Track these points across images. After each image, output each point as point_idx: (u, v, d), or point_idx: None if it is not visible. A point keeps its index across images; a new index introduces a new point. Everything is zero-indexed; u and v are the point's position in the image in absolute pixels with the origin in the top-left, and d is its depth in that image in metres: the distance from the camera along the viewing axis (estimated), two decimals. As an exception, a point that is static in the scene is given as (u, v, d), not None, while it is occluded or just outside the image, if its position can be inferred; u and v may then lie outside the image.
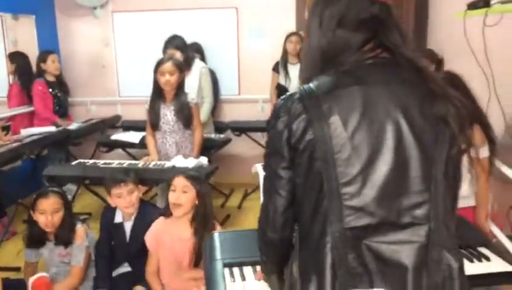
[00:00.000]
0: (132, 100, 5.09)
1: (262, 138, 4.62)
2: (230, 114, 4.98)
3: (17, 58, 4.48)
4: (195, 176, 2.53)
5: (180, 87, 3.37)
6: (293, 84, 4.54)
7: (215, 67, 4.80)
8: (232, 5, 4.85)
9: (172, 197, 2.45)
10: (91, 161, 3.33)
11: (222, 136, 4.10)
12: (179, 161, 3.10)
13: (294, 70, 4.53)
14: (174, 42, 4.08)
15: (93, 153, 4.77)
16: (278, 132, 1.06)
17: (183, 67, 3.96)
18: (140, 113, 4.78)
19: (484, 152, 2.11)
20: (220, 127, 4.56)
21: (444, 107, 1.04)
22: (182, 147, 3.39)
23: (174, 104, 3.34)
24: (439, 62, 3.40)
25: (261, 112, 4.89)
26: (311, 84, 1.06)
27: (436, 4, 3.87)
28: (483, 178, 2.13)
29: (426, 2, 4.00)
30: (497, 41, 2.63)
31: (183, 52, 4.09)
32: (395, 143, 1.00)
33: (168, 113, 3.34)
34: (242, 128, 4.52)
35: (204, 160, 3.19)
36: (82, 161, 3.36)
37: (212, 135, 4.09)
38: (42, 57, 4.43)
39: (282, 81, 4.58)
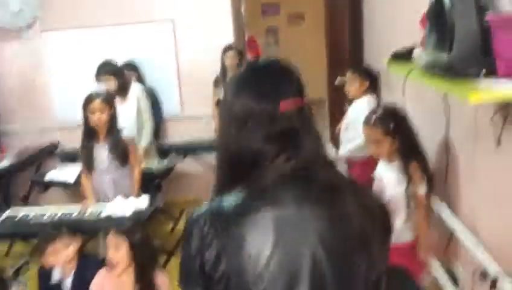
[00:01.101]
0: (70, 125, 4.84)
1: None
2: (174, 133, 4.84)
3: None
4: (129, 229, 2.44)
5: (112, 123, 3.21)
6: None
7: (154, 84, 4.64)
8: (167, 17, 4.67)
9: (107, 254, 2.37)
10: (21, 214, 3.12)
11: (165, 162, 3.97)
12: (117, 206, 2.97)
13: (234, 85, 4.45)
14: (107, 68, 3.90)
15: (28, 192, 4.53)
16: (191, 257, 1.00)
17: (118, 96, 3.84)
18: (78, 138, 4.61)
19: (422, 189, 2.12)
20: (164, 150, 4.42)
21: (360, 228, 1.00)
22: (120, 186, 3.25)
23: (108, 142, 3.19)
24: (374, 80, 3.40)
25: (206, 127, 4.77)
26: (223, 202, 1.00)
27: (370, 9, 3.85)
28: (422, 214, 2.15)
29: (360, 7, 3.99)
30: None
31: (118, 78, 3.92)
32: (312, 269, 0.96)
33: (102, 152, 3.19)
34: (187, 150, 4.39)
35: (144, 201, 3.07)
36: (11, 216, 3.14)
37: (155, 163, 3.96)
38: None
39: (222, 97, 4.48)
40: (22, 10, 4.53)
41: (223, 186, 1.06)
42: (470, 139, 1.80)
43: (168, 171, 3.94)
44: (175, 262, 3.66)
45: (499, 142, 1.43)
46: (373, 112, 2.26)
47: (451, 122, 1.93)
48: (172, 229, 4.30)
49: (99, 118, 3.10)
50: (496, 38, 1.14)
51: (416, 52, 1.82)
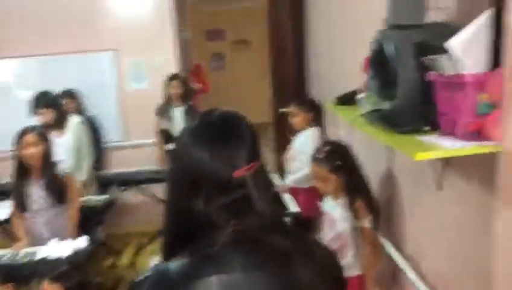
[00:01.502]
0: (7, 155, 4.55)
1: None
2: (116, 162, 4.68)
3: None
4: (64, 275, 2.30)
5: (47, 158, 3.03)
6: (178, 128, 4.39)
7: (97, 113, 4.48)
8: (110, 47, 4.56)
9: (42, 304, 2.22)
10: None
11: (106, 196, 3.81)
12: (52, 249, 2.79)
13: (177, 113, 4.40)
14: (43, 100, 3.71)
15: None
16: None
17: (56, 128, 3.67)
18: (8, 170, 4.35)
19: (366, 223, 2.15)
20: (105, 183, 4.24)
21: None
22: (56, 225, 3.05)
23: (43, 179, 3.00)
24: (318, 112, 3.46)
25: (151, 156, 4.66)
26: (169, 267, 0.96)
27: (313, 41, 3.95)
28: (368, 248, 2.17)
29: (303, 39, 4.08)
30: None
31: (55, 110, 3.74)
32: None
33: (36, 191, 2.99)
34: (129, 181, 4.24)
35: (83, 241, 2.90)
36: None
37: (95, 198, 3.78)
38: None
39: (166, 126, 4.42)
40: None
41: (170, 249, 1.02)
42: (412, 179, 1.85)
43: (109, 205, 3.77)
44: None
45: (439, 187, 1.47)
46: (319, 149, 2.28)
47: (394, 160, 1.98)
48: (113, 264, 4.13)
49: (32, 153, 2.92)
50: (439, 97, 1.18)
51: (360, 98, 1.86)
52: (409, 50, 1.52)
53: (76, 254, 2.77)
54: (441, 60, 1.09)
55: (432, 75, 1.18)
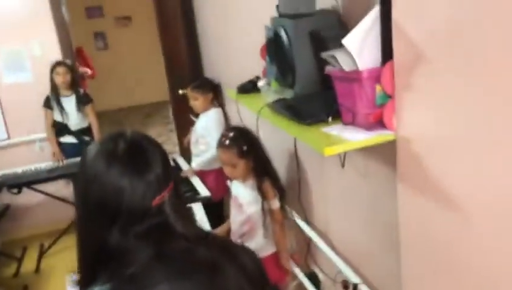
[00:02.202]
0: None
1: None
2: (2, 163, 4.25)
3: None
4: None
5: None
6: (72, 118, 4.13)
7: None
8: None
9: None
10: None
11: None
12: None
13: (69, 103, 4.11)
14: None
15: None
16: None
17: None
18: None
19: (275, 204, 2.24)
20: (-7, 187, 3.88)
21: None
22: None
23: None
24: (216, 90, 3.47)
25: (41, 153, 4.33)
26: None
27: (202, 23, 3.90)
28: (277, 227, 2.26)
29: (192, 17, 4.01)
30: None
31: None
32: None
33: None
34: (22, 183, 3.89)
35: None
36: None
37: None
38: None
39: (58, 118, 4.11)
40: None
41: (88, 277, 0.98)
42: (316, 158, 1.97)
43: (4, 211, 3.47)
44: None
45: (343, 165, 1.59)
46: (224, 135, 2.30)
47: (297, 140, 2.08)
48: (17, 272, 3.84)
49: None
50: (338, 89, 1.25)
51: (262, 86, 1.89)
52: (303, 40, 1.58)
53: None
54: (338, 55, 1.16)
55: (329, 70, 1.25)
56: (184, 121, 4.34)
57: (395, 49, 1.11)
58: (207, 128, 3.32)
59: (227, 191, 3.25)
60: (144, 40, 8.51)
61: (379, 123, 1.16)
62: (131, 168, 0.95)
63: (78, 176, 1.01)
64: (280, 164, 2.32)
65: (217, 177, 3.32)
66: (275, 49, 1.73)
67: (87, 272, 1.00)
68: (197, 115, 3.54)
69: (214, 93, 3.44)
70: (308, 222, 2.18)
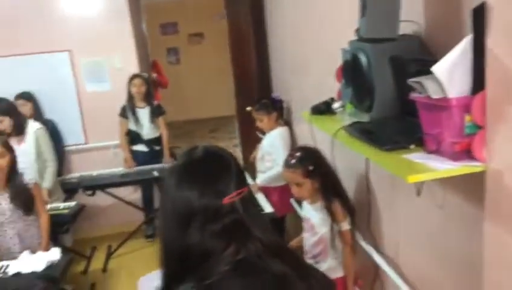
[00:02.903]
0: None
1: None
2: (79, 166, 4.56)
3: None
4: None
5: (12, 168, 2.93)
6: (145, 128, 4.34)
7: (54, 116, 4.33)
8: (64, 48, 4.39)
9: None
10: None
11: (73, 204, 3.71)
12: (26, 263, 2.70)
13: (143, 114, 4.33)
14: (0, 107, 3.55)
15: None
16: None
17: (14, 136, 3.54)
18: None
19: (345, 225, 2.21)
20: (69, 189, 4.13)
21: None
22: (26, 237, 2.97)
23: (9, 191, 2.90)
24: (280, 108, 3.50)
25: (115, 158, 4.57)
26: None
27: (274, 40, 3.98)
28: (347, 250, 2.23)
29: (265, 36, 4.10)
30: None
31: (12, 117, 3.59)
32: None
33: (2, 202, 2.89)
34: (96, 186, 4.14)
35: (55, 253, 2.83)
36: None
37: (61, 205, 3.69)
38: None
39: (132, 127, 4.35)
40: None
41: (170, 280, 1.04)
42: (389, 183, 1.93)
43: (78, 211, 3.69)
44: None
45: (418, 193, 1.55)
46: (291, 154, 2.32)
47: (370, 162, 2.05)
48: (85, 270, 4.04)
49: None
50: (423, 117, 1.23)
51: (336, 108, 1.90)
52: (383, 64, 1.58)
53: (51, 267, 2.71)
54: (425, 81, 1.15)
55: (415, 96, 1.24)
56: (249, 137, 4.42)
57: (489, 78, 1.08)
58: (273, 146, 3.36)
59: (290, 208, 3.27)
60: (214, 56, 8.80)
61: (465, 153, 1.13)
62: (206, 171, 1.04)
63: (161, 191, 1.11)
64: (349, 186, 2.29)
65: (281, 194, 3.35)
66: (352, 72, 1.74)
67: (171, 273, 1.05)
68: (264, 133, 3.60)
69: (278, 112, 3.48)
70: (377, 248, 2.14)
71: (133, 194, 4.58)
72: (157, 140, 4.43)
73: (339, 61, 2.00)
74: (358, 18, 1.59)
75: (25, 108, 4.00)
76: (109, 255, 4.24)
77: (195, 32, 9.07)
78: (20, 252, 2.87)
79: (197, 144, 1.14)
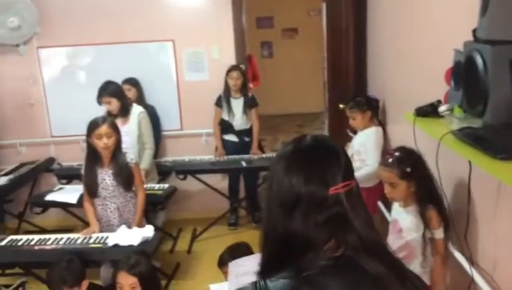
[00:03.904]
0: (65, 140, 4.80)
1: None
2: (173, 150, 4.80)
3: None
4: (139, 266, 2.42)
5: (117, 147, 3.17)
6: (237, 119, 4.46)
7: (154, 101, 4.60)
8: (168, 37, 4.64)
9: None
10: (24, 238, 3.06)
11: (166, 186, 3.93)
12: (123, 236, 2.92)
13: (237, 105, 4.45)
14: (109, 89, 3.85)
15: (24, 209, 4.49)
16: None
17: (120, 117, 3.81)
18: (74, 154, 4.58)
19: (439, 234, 2.13)
20: (164, 171, 4.38)
21: None
22: (124, 212, 3.20)
23: (113, 168, 3.14)
24: (375, 108, 3.41)
25: (206, 146, 4.76)
26: (268, 284, 0.98)
27: (374, 39, 3.88)
28: (439, 260, 2.14)
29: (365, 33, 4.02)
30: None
31: (120, 99, 3.88)
32: None
33: (106, 178, 3.14)
34: (187, 171, 4.34)
35: (150, 230, 3.02)
36: (14, 237, 3.08)
37: (156, 186, 3.92)
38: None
39: (225, 117, 4.49)
40: (20, 26, 4.44)
41: (268, 267, 1.05)
42: (492, 193, 1.82)
43: (171, 193, 3.90)
44: (174, 287, 3.64)
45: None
46: (389, 154, 2.26)
47: (472, 170, 1.94)
48: (172, 249, 4.27)
49: (106, 143, 3.05)
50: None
51: (443, 111, 1.82)
52: (502, 68, 1.48)
53: (145, 243, 2.90)
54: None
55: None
56: (338, 135, 4.37)
57: None
58: (364, 145, 3.30)
59: (375, 210, 3.19)
60: (306, 52, 8.80)
61: None
62: (315, 158, 1.04)
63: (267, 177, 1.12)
64: (448, 194, 2.18)
65: (367, 195, 3.26)
66: (464, 74, 1.66)
67: (271, 259, 1.06)
68: (355, 131, 3.54)
69: (372, 111, 3.39)
70: (472, 261, 2.02)
71: (220, 182, 4.74)
72: (248, 131, 4.53)
73: (447, 63, 1.92)
74: (478, 17, 1.50)
75: (130, 92, 4.29)
76: (194, 238, 4.43)
77: (290, 27, 9.11)
78: (118, 225, 3.11)
79: (305, 134, 1.12)
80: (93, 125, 3.08)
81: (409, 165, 2.14)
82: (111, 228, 3.13)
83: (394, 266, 1.06)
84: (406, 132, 2.30)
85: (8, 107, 4.77)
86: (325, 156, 1.06)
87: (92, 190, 3.14)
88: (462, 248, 2.09)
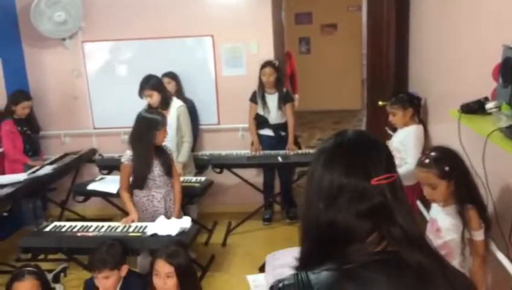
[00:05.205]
0: (107, 132, 4.94)
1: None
2: (210, 144, 4.87)
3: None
4: (177, 255, 2.46)
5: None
6: (272, 114, 4.47)
7: (192, 96, 4.66)
8: (207, 32, 4.69)
9: (157, 282, 2.43)
10: (67, 225, 3.18)
11: (203, 179, 3.99)
12: (161, 226, 2.99)
13: (272, 100, 4.46)
14: (150, 83, 3.94)
15: (67, 198, 4.65)
16: None
17: (160, 110, 3.89)
18: (115, 146, 4.72)
19: (479, 235, 2.07)
20: (201, 164, 4.44)
21: None
22: (167, 201, 3.31)
23: (159, 158, 3.25)
24: (417, 105, 3.34)
25: (242, 140, 4.79)
26: (310, 278, 0.98)
27: (416, 34, 3.79)
28: (478, 261, 2.09)
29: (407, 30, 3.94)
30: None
31: (160, 92, 3.96)
32: None
33: (154, 169, 3.23)
34: (224, 165, 4.38)
35: (187, 221, 3.08)
36: (58, 224, 3.21)
37: (193, 179, 3.99)
38: (14, 100, 4.29)
39: (260, 112, 4.50)
40: (66, 21, 4.60)
41: (309, 260, 1.04)
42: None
43: (207, 186, 3.96)
44: (209, 279, 3.69)
45: None
46: (426, 154, 2.21)
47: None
48: (207, 242, 4.33)
49: (164, 136, 3.23)
50: None
51: (491, 108, 1.77)
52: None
53: (183, 234, 2.95)
54: None
55: None
56: (376, 132, 4.30)
57: None
58: (404, 143, 3.23)
59: (415, 209, 3.13)
60: (344, 49, 8.70)
61: None
62: (357, 150, 1.04)
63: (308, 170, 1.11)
64: (493, 194, 2.11)
65: (406, 194, 3.18)
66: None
67: (311, 252, 1.05)
68: (394, 129, 3.48)
69: (414, 109, 3.32)
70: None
71: (255, 177, 4.76)
72: (284, 126, 4.53)
73: (495, 58, 1.86)
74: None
75: (169, 85, 4.37)
76: (228, 232, 4.47)
77: (329, 23, 9.02)
78: (164, 214, 3.20)
79: (346, 129, 1.13)
80: (156, 122, 3.19)
81: (447, 163, 2.09)
82: (153, 218, 3.19)
83: (437, 260, 1.05)
84: (449, 130, 2.25)
85: (54, 100, 4.96)
86: (367, 148, 1.05)
87: (142, 181, 3.22)
88: (507, 249, 2.03)
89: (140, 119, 3.21)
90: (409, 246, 1.00)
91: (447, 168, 2.08)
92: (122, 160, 3.24)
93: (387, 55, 4.09)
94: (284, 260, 1.10)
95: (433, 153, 2.17)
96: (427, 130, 3.35)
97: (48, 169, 4.20)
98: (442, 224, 2.18)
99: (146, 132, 3.16)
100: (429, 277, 0.99)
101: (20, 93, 4.36)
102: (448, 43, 2.93)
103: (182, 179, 3.69)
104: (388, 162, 1.05)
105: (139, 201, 3.27)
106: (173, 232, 2.93)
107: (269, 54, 4.63)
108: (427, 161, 2.15)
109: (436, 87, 3.22)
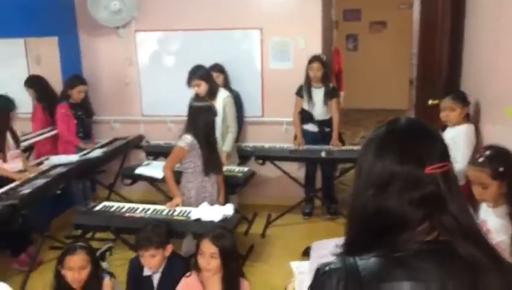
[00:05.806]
0: (154, 119, 5.08)
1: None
2: (253, 136, 4.92)
3: (32, 83, 4.47)
4: (222, 238, 2.52)
5: None
6: (317, 109, 4.46)
7: (238, 87, 4.72)
8: (256, 26, 4.73)
9: (202, 262, 2.48)
10: (115, 205, 3.31)
11: (246, 169, 4.04)
12: (205, 212, 3.06)
13: (318, 95, 4.45)
14: (198, 73, 4.02)
15: (114, 181, 4.83)
16: None
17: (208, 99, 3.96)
18: (161, 133, 4.85)
19: None
20: (244, 156, 4.50)
21: None
22: (216, 189, 3.45)
23: None
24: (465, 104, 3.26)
25: (285, 134, 4.81)
26: (358, 264, 0.98)
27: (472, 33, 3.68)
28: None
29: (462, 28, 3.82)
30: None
31: (208, 82, 4.03)
32: None
33: None
34: (266, 157, 4.42)
35: (230, 209, 3.14)
36: (107, 204, 3.35)
37: (236, 169, 4.04)
38: (71, 84, 4.46)
39: (306, 106, 4.50)
40: (121, 10, 4.75)
41: (356, 246, 1.03)
42: None
43: (249, 177, 4.01)
44: (248, 268, 3.73)
45: None
46: (480, 153, 2.15)
47: None
48: (246, 232, 4.38)
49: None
50: None
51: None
52: None
53: (225, 221, 3.02)
54: None
55: None
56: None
57: None
58: (455, 142, 3.14)
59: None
60: (393, 47, 8.54)
61: None
62: (410, 137, 1.03)
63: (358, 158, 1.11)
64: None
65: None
66: None
67: (359, 240, 1.04)
68: (443, 127, 3.39)
69: (468, 108, 3.23)
70: None
71: (297, 171, 4.77)
72: (328, 122, 4.52)
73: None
74: None
75: (218, 79, 4.42)
76: (268, 223, 4.51)
77: (378, 20, 8.87)
78: (217, 196, 3.39)
79: (398, 117, 1.11)
80: None
81: (501, 164, 2.03)
82: (213, 203, 3.29)
83: (491, 253, 1.02)
84: (505, 130, 2.18)
85: (105, 86, 5.14)
86: (421, 135, 1.04)
87: (212, 167, 3.35)
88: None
89: (203, 107, 3.37)
90: (462, 237, 0.99)
91: (501, 169, 2.02)
92: (182, 144, 3.27)
93: (440, 54, 3.98)
94: (330, 250, 1.10)
95: (487, 152, 2.11)
96: (478, 130, 3.25)
97: (98, 152, 4.37)
98: (492, 225, 2.12)
99: (208, 118, 3.34)
100: (483, 270, 0.97)
101: (76, 77, 4.56)
102: (506, 40, 2.83)
103: (225, 168, 3.75)
104: (442, 150, 1.03)
105: (199, 186, 3.35)
106: (216, 218, 2.99)
107: (317, 49, 4.62)
108: (481, 159, 2.09)
109: (492, 86, 3.11)
